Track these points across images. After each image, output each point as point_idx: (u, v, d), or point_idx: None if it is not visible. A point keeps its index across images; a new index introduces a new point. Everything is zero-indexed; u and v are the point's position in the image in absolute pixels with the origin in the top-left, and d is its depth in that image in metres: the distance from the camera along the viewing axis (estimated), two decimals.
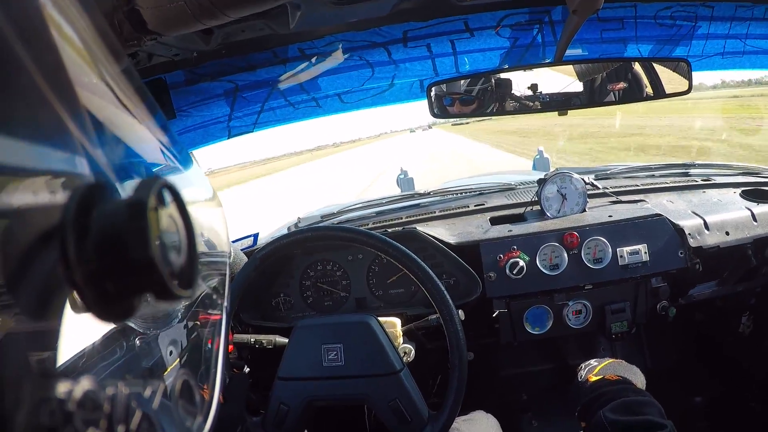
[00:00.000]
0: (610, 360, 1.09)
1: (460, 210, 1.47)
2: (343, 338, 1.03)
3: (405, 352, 1.07)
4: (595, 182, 1.40)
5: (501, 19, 1.14)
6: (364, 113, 1.34)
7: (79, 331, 0.26)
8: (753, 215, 1.25)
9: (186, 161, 0.48)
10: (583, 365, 1.11)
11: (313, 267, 1.32)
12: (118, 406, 0.27)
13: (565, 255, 1.22)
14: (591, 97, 1.27)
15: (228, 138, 1.31)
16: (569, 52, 1.10)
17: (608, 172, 1.61)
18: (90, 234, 0.22)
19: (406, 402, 0.99)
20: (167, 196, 0.25)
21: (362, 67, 1.21)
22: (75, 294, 0.22)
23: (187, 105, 1.19)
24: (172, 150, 0.44)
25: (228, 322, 1.06)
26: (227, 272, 0.52)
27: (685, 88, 1.18)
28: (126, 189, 0.27)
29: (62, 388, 0.23)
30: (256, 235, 1.48)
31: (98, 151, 0.26)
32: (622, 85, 1.23)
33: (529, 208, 1.40)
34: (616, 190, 1.44)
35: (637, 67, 1.23)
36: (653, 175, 1.58)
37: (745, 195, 1.36)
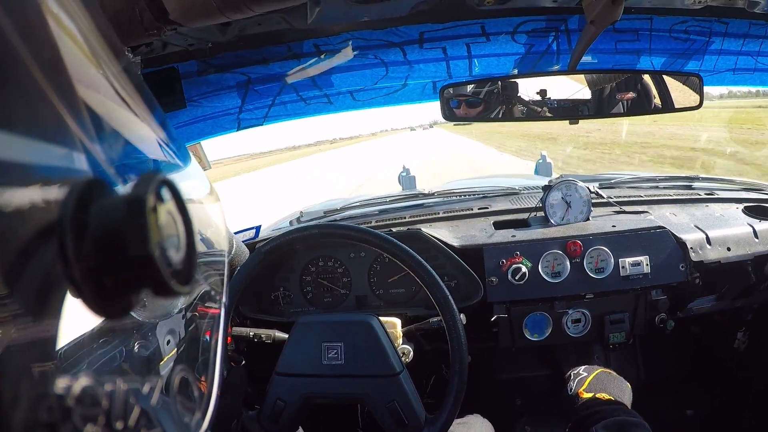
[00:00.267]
0: (599, 370, 1.10)
1: (464, 212, 1.47)
2: (344, 337, 1.03)
3: (403, 353, 1.07)
4: (600, 191, 1.41)
5: (518, 25, 1.14)
6: (366, 111, 1.34)
7: (78, 326, 0.27)
8: (755, 232, 1.26)
9: (184, 157, 0.48)
10: (572, 373, 1.12)
11: (315, 262, 1.32)
12: (117, 401, 0.27)
13: (568, 263, 1.23)
14: (599, 107, 1.27)
15: (237, 130, 1.31)
16: (583, 61, 1.10)
17: (612, 181, 1.61)
18: (88, 230, 0.22)
19: (404, 404, 0.99)
20: (166, 193, 0.25)
21: (376, 65, 1.21)
22: (73, 290, 0.22)
23: (198, 95, 1.19)
24: (171, 146, 0.44)
25: (228, 317, 1.06)
26: (226, 268, 0.52)
27: (696, 102, 1.18)
28: (124, 185, 0.28)
29: (61, 383, 0.23)
30: (258, 228, 1.48)
31: (97, 147, 0.27)
32: (631, 94, 1.24)
33: (533, 214, 1.40)
34: (620, 199, 1.44)
35: (647, 79, 1.24)
36: (657, 187, 1.59)
37: (748, 211, 1.37)
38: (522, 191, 1.62)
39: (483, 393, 1.57)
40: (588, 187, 1.36)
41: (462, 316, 1.04)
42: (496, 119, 1.30)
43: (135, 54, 0.91)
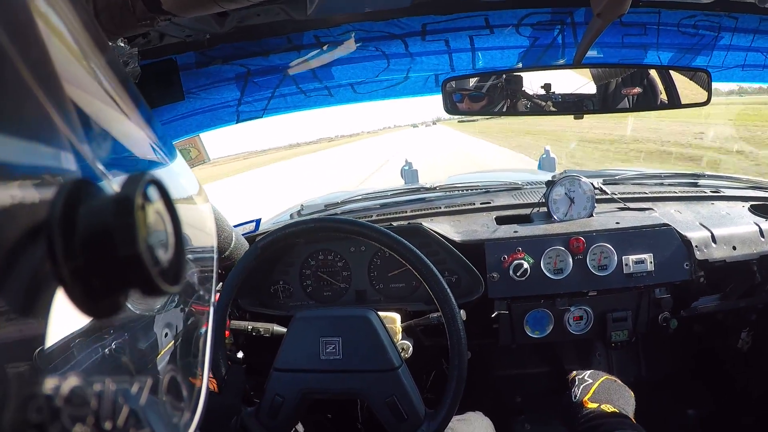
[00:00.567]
0: (604, 377, 1.09)
1: (466, 207, 1.45)
2: (343, 332, 1.02)
3: (403, 348, 1.06)
4: (604, 187, 1.39)
5: (522, 18, 1.11)
6: (367, 106, 1.33)
7: (66, 326, 0.27)
8: (761, 231, 1.24)
9: (172, 155, 0.48)
10: (576, 378, 1.11)
11: (315, 256, 1.31)
12: (105, 401, 0.27)
13: (570, 260, 1.21)
14: (604, 102, 1.25)
15: (236, 122, 1.29)
16: (588, 54, 1.08)
17: (617, 177, 1.59)
18: (77, 230, 0.22)
19: (403, 399, 0.98)
20: (154, 192, 0.25)
21: (378, 58, 1.19)
22: (62, 289, 0.22)
23: (197, 87, 1.17)
24: (158, 144, 0.44)
25: (225, 312, 1.05)
26: (215, 266, 0.52)
27: (704, 99, 1.16)
28: (112, 185, 0.27)
29: (49, 383, 0.23)
30: (258, 221, 1.47)
31: (85, 146, 0.27)
32: (636, 90, 1.21)
33: (535, 210, 1.38)
34: (624, 196, 1.42)
35: (654, 74, 1.22)
36: (662, 184, 1.56)
37: (754, 210, 1.35)
38: (525, 186, 1.60)
39: (483, 390, 1.57)
40: (592, 183, 1.34)
41: (462, 312, 1.03)
42: (499, 113, 1.28)
43: (132, 45, 0.89)
